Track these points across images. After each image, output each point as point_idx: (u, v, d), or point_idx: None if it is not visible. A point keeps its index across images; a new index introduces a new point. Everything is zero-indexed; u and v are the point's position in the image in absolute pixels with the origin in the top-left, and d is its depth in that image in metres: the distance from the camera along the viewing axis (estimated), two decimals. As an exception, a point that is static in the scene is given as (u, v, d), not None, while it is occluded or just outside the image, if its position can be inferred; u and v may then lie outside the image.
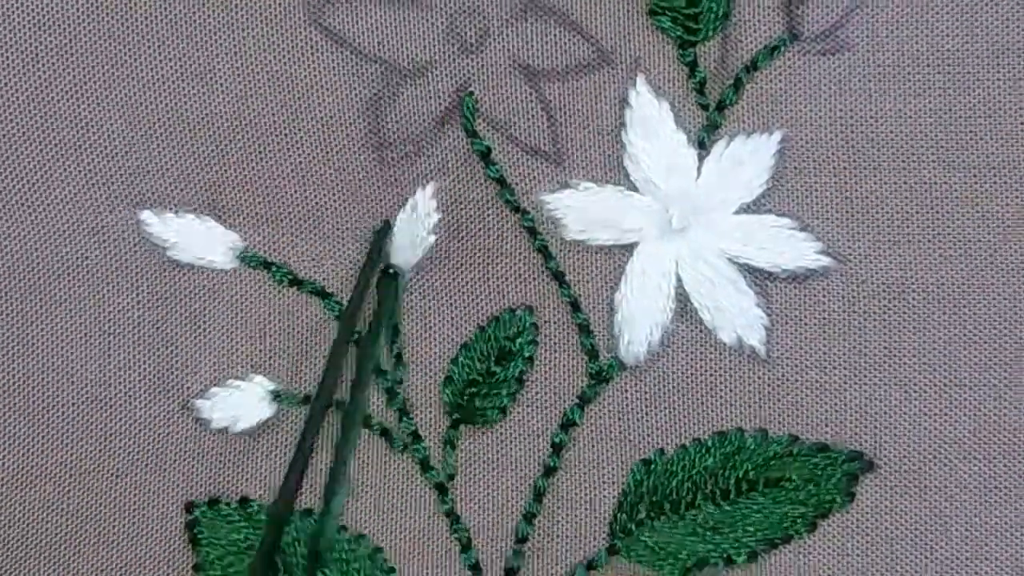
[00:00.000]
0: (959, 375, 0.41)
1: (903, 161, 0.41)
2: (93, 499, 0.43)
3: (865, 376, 0.42)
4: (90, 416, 0.43)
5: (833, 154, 0.41)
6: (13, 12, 0.41)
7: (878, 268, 0.41)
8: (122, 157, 0.42)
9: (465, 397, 0.43)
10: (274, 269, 0.43)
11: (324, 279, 0.43)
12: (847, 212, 0.41)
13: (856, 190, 0.41)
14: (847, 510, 0.42)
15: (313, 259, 0.43)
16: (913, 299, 0.41)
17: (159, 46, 0.41)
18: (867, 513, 0.42)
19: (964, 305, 0.41)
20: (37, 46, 0.42)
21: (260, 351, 0.43)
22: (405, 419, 0.43)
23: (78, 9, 0.42)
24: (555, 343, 0.43)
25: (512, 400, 0.43)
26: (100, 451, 0.43)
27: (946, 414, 0.41)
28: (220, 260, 0.43)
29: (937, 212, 0.41)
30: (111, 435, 0.43)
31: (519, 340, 0.42)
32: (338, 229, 0.42)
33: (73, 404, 0.43)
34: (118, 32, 0.41)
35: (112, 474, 0.43)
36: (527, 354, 0.42)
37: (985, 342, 0.41)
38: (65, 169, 0.42)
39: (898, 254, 0.41)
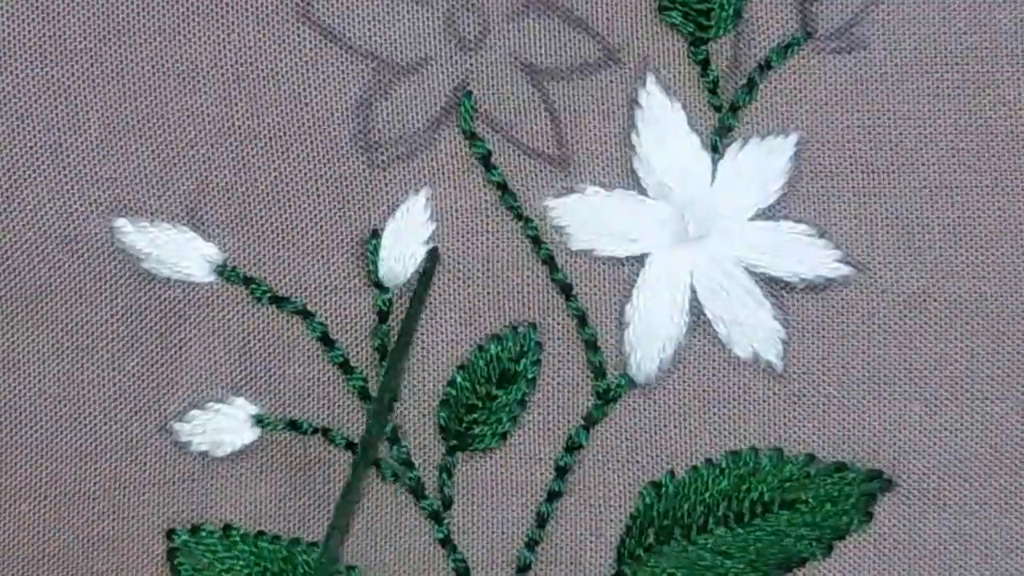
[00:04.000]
0: (981, 387, 0.40)
1: (921, 163, 0.39)
2: (66, 522, 0.40)
3: (885, 390, 0.40)
4: (64, 435, 0.40)
5: (850, 157, 0.39)
6: None
7: (899, 276, 0.39)
8: (97, 161, 0.38)
9: (463, 423, 0.40)
10: (253, 286, 0.39)
11: (307, 295, 0.40)
12: (866, 218, 0.39)
13: (874, 194, 0.39)
14: (865, 530, 0.40)
15: (296, 272, 0.39)
16: (934, 308, 0.39)
17: (138, 42, 0.38)
18: (885, 533, 0.40)
19: (987, 314, 0.39)
20: (11, 42, 0.38)
21: (240, 372, 0.40)
22: (396, 446, 0.40)
23: (56, 6, 0.38)
24: (560, 361, 0.40)
25: (514, 424, 0.40)
26: (73, 472, 0.40)
27: (968, 428, 0.40)
28: (197, 273, 0.39)
29: (958, 217, 0.39)
30: (86, 456, 0.40)
31: (523, 361, 0.40)
32: (322, 239, 0.39)
33: (46, 422, 0.40)
34: (96, 28, 0.38)
35: (87, 497, 0.40)
36: (531, 375, 0.40)
37: (1008, 352, 0.39)
38: (37, 173, 0.38)
39: (919, 261, 0.39)
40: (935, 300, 0.39)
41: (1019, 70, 0.39)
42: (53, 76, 0.38)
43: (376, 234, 0.39)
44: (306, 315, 0.40)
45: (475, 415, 0.40)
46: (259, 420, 0.40)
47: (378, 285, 0.39)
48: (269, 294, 0.39)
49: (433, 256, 0.39)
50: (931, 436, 0.40)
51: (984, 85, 0.39)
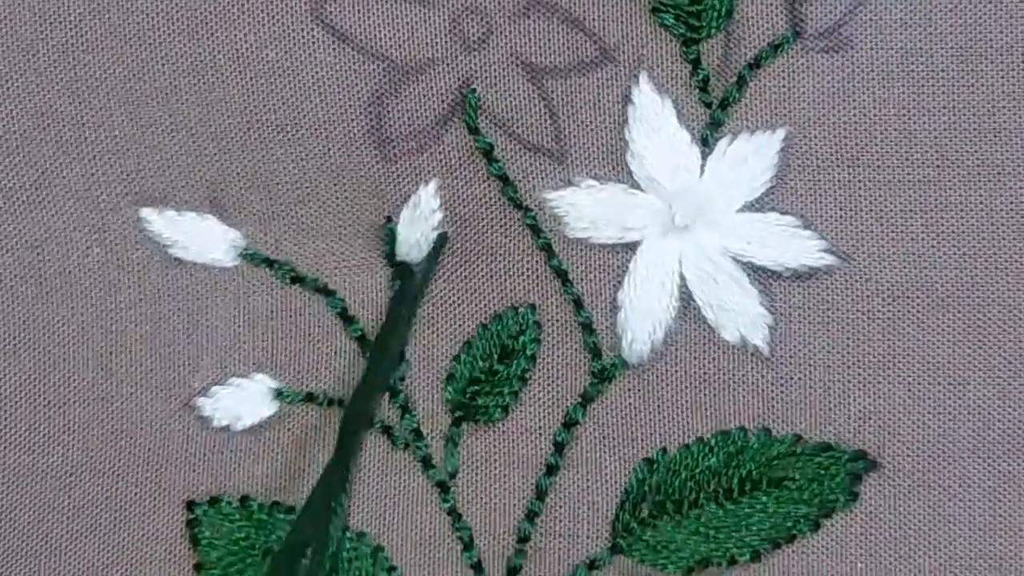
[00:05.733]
0: (963, 373, 0.41)
1: (906, 159, 0.41)
2: (94, 498, 0.43)
3: (869, 375, 0.41)
4: (91, 415, 0.43)
5: (836, 152, 0.41)
6: (13, 8, 0.41)
7: (882, 266, 0.41)
8: (123, 154, 0.42)
9: (468, 395, 0.43)
10: (276, 267, 0.43)
11: (327, 276, 0.43)
12: (851, 210, 0.41)
13: (859, 188, 0.41)
14: (851, 509, 0.42)
15: (315, 256, 0.43)
16: (917, 297, 0.41)
17: (160, 41, 0.41)
18: (871, 512, 0.42)
19: (968, 303, 0.41)
20: (37, 42, 0.41)
21: (262, 349, 0.43)
22: (407, 416, 0.43)
23: (80, 5, 0.41)
24: (558, 341, 0.42)
25: (515, 398, 0.43)
26: (101, 450, 0.43)
27: (950, 412, 0.41)
28: (222, 258, 0.42)
29: (940, 210, 0.41)
30: (112, 434, 0.43)
31: (522, 338, 0.42)
32: (340, 226, 0.42)
33: (74, 403, 0.43)
34: (119, 28, 0.41)
35: (113, 473, 0.43)
36: (530, 352, 0.42)
37: (989, 340, 0.41)
38: (66, 166, 0.42)
39: (902, 252, 0.41)
40: (917, 289, 0.41)
41: (1002, 69, 0.40)
42: (79, 75, 0.41)
43: (390, 221, 0.42)
44: (326, 293, 0.43)
45: (478, 387, 0.43)
46: (279, 393, 0.43)
47: (393, 267, 0.42)
48: (292, 273, 0.43)
49: (442, 240, 0.42)
50: (914, 419, 0.41)
51: (967, 84, 0.40)
